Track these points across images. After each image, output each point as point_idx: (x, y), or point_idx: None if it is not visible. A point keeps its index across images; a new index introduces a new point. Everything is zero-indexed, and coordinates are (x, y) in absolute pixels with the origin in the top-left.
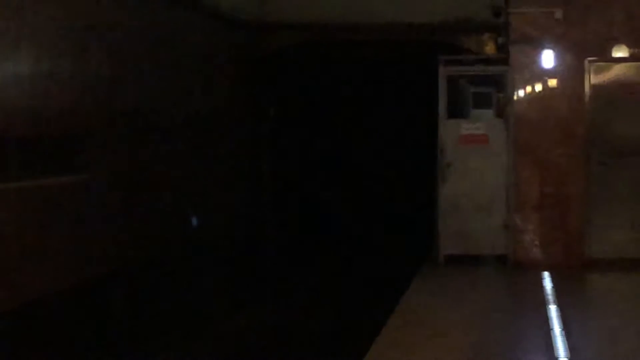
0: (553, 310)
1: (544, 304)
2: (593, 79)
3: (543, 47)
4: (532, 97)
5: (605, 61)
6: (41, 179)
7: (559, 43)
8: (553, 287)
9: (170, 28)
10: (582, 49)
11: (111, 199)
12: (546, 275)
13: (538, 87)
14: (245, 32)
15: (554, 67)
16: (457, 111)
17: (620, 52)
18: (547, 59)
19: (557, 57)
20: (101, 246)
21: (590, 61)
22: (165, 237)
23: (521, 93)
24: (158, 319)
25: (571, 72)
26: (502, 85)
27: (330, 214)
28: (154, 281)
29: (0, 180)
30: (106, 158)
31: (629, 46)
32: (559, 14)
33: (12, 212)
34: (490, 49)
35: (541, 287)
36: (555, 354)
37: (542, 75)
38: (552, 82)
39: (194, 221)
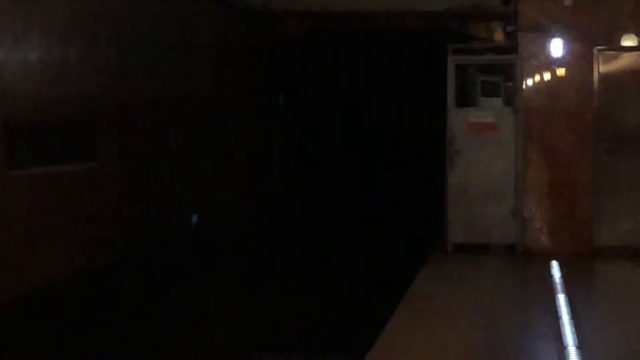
0: (561, 298)
1: (552, 292)
2: (602, 67)
3: (552, 36)
4: (540, 86)
5: (614, 50)
6: (51, 166)
7: (567, 31)
8: (561, 275)
9: (179, 16)
10: (591, 37)
11: (120, 186)
12: (554, 263)
13: (547, 76)
14: (254, 20)
15: (563, 56)
16: (465, 99)
17: (629, 41)
18: (556, 47)
19: (566, 45)
20: (110, 233)
21: (599, 50)
22: (173, 225)
23: (530, 81)
24: (164, 305)
25: (580, 61)
26: (510, 74)
27: (339, 201)
28: (161, 269)
29: (11, 168)
30: (115, 146)
31: (637, 35)
32: (568, 2)
33: (21, 199)
34: (499, 37)
35: (549, 275)
36: (564, 342)
37: (551, 63)
38: (561, 71)
39: (202, 211)
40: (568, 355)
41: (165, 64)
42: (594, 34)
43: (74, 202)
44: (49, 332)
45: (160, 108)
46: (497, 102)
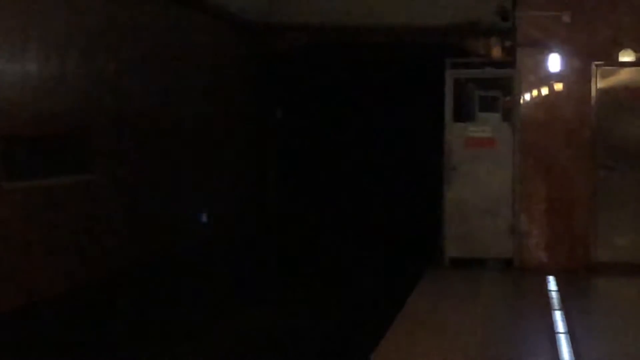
0: (558, 314)
1: (548, 308)
2: (599, 82)
3: (550, 51)
4: (538, 101)
5: (612, 65)
6: (47, 178)
7: (565, 47)
8: (558, 290)
9: (178, 29)
10: (589, 52)
11: (115, 199)
12: (551, 278)
13: (544, 91)
14: (252, 33)
15: (561, 71)
16: (463, 114)
17: (627, 57)
18: (554, 62)
19: (564, 60)
20: (105, 246)
21: (597, 65)
22: (168, 237)
23: (527, 96)
24: (161, 318)
25: (578, 76)
26: (508, 89)
27: (334, 214)
28: (158, 281)
29: (7, 180)
30: (111, 158)
31: (635, 50)
32: (566, 17)
33: (17, 212)
34: (497, 52)
35: (546, 291)
36: (560, 358)
37: (549, 78)
38: (559, 86)
39: (199, 224)
40: None
41: (162, 78)
42: (592, 49)
43: (69, 215)
44: (43, 345)
45: (157, 121)
46: (495, 117)
